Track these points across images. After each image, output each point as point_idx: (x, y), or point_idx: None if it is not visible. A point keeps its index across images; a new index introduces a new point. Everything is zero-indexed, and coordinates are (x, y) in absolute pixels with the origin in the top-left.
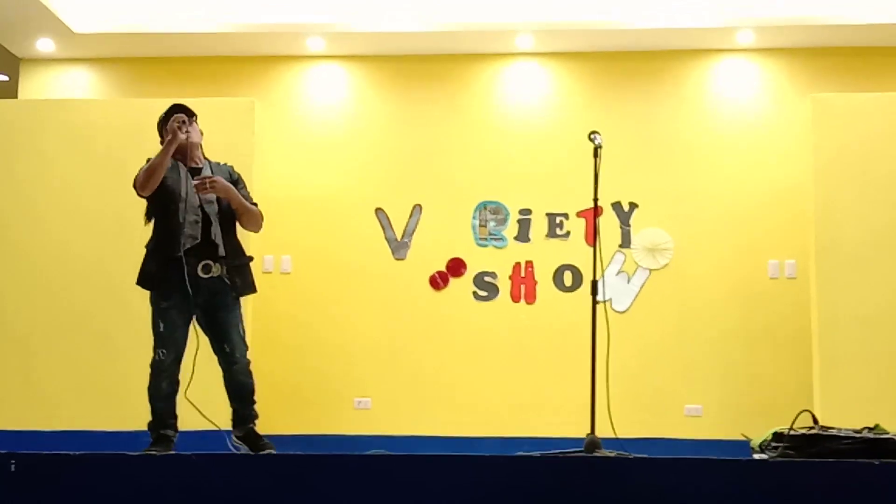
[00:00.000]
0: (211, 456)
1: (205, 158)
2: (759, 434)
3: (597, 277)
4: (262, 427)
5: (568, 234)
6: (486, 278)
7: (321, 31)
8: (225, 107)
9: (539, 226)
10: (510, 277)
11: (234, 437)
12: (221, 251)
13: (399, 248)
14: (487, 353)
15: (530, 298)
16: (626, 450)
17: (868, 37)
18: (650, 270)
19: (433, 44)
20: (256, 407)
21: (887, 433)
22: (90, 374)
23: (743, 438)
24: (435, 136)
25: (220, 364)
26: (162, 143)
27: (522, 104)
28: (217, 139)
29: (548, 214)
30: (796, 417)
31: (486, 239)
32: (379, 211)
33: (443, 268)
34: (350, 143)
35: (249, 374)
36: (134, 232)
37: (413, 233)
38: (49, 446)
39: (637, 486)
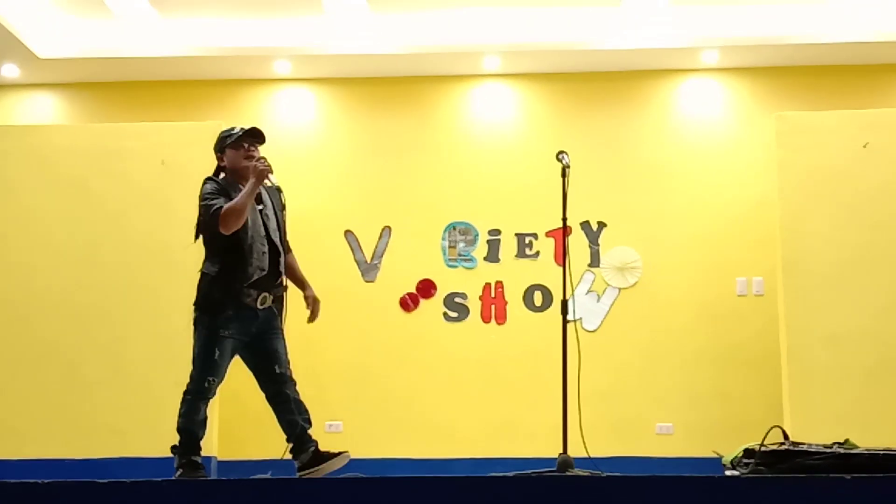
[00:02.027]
0: (184, 482)
1: None
2: (730, 451)
3: (567, 297)
4: (233, 453)
5: (537, 253)
6: (457, 299)
7: (288, 54)
8: (193, 130)
9: (508, 246)
10: (480, 298)
11: (298, 471)
12: (281, 282)
13: (369, 270)
14: (459, 374)
15: (501, 319)
16: (598, 469)
17: (831, 55)
18: (619, 289)
19: (400, 66)
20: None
21: (857, 448)
22: (57, 404)
23: (714, 455)
24: (403, 158)
25: (269, 389)
26: (220, 161)
27: (490, 125)
28: (185, 163)
29: (517, 235)
30: (767, 433)
31: (455, 260)
32: (348, 233)
33: (413, 289)
34: (318, 165)
35: (297, 390)
36: (100, 259)
37: (383, 255)
38: (17, 475)
39: None
